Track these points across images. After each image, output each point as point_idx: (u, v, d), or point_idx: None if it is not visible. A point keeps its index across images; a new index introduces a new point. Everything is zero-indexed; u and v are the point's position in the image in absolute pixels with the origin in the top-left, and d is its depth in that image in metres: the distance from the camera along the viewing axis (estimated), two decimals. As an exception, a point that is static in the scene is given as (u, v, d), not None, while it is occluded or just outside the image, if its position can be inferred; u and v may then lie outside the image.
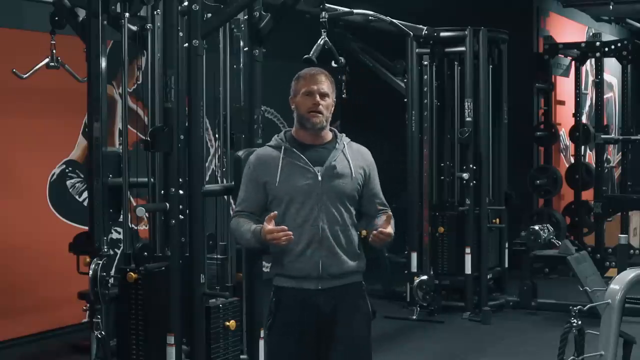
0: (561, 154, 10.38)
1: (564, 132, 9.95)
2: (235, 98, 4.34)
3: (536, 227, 7.22)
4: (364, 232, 3.41)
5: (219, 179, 4.42)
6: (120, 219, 4.22)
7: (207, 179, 4.38)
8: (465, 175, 7.09)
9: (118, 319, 4.02)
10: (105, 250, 4.08)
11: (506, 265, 7.48)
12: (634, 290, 3.08)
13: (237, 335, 4.14)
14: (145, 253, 3.98)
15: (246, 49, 4.30)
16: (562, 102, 10.09)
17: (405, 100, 7.11)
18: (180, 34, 3.93)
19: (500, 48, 7.46)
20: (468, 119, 7.12)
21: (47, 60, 4.97)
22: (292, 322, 3.24)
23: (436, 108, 7.38)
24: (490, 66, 7.34)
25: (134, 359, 3.95)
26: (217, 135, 4.38)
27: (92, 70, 4.16)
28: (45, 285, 6.17)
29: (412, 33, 6.98)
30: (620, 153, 10.18)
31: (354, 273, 3.29)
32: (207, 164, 4.95)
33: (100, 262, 3.90)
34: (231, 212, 4.27)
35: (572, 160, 9.70)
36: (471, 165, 7.11)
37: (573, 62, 9.69)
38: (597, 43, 9.20)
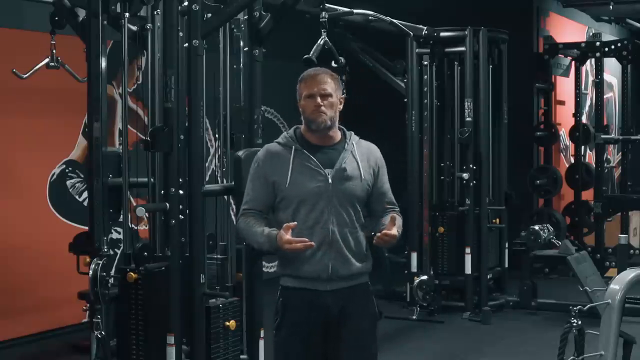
0: (561, 154, 10.38)
1: (564, 132, 9.95)
2: (235, 98, 4.34)
3: (536, 227, 7.22)
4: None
5: (219, 179, 4.42)
6: (120, 219, 4.21)
7: (207, 179, 4.38)
8: (465, 175, 7.09)
9: (118, 319, 4.02)
10: (105, 250, 4.08)
11: (506, 265, 7.48)
12: (634, 290, 3.08)
13: (237, 335, 4.14)
14: (145, 253, 3.98)
15: (246, 49, 4.30)
16: (562, 102, 10.09)
17: (405, 100, 7.11)
18: (180, 34, 3.93)
19: (500, 48, 7.46)
20: (468, 119, 7.12)
21: (47, 60, 4.97)
22: (299, 323, 3.25)
23: (436, 108, 7.38)
24: (490, 66, 7.34)
25: (134, 359, 3.94)
26: (217, 135, 4.38)
27: (92, 70, 4.16)
28: (45, 285, 6.17)
29: (412, 33, 6.98)
30: (620, 153, 10.18)
31: (361, 274, 3.30)
32: (207, 164, 4.95)
33: (100, 262, 3.90)
34: (231, 212, 4.29)
35: (572, 160, 9.70)
36: (471, 165, 7.11)
37: (573, 62, 9.69)
38: (597, 43, 9.20)
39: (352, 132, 3.38)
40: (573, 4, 10.38)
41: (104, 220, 4.14)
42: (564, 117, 9.93)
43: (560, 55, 9.71)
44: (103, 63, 4.19)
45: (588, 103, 10.83)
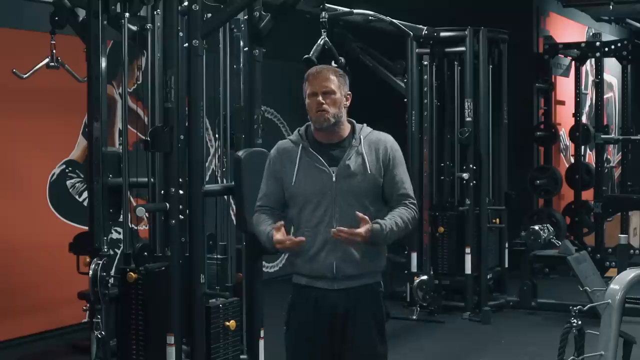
0: (561, 154, 10.38)
1: (564, 132, 9.95)
2: (235, 98, 4.34)
3: (536, 227, 7.22)
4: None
5: (219, 179, 4.42)
6: (120, 219, 4.21)
7: (207, 179, 4.38)
8: (465, 175, 7.09)
9: (118, 319, 4.02)
10: (105, 250, 4.08)
11: (506, 265, 7.47)
12: (634, 290, 3.08)
13: (237, 335, 4.14)
14: (145, 253, 3.99)
15: (246, 49, 4.30)
16: (562, 102, 10.09)
17: (405, 100, 7.11)
18: (180, 34, 3.93)
19: (500, 48, 7.45)
20: (468, 119, 7.12)
21: (47, 60, 4.97)
22: (307, 321, 3.25)
23: (436, 108, 7.38)
24: (490, 66, 7.34)
25: (133, 359, 3.94)
26: (217, 135, 4.38)
27: (92, 70, 4.16)
28: (45, 285, 6.17)
29: (412, 33, 6.98)
30: (620, 153, 10.18)
31: (370, 273, 3.27)
32: (207, 164, 4.95)
33: (100, 262, 3.90)
34: (231, 212, 4.29)
35: (572, 160, 9.70)
36: (471, 165, 7.11)
37: (573, 62, 9.69)
38: (597, 43, 9.20)
39: (364, 125, 3.33)
40: (573, 4, 10.38)
41: (104, 220, 4.13)
42: (564, 117, 9.93)
43: (560, 55, 9.71)
44: (103, 63, 4.19)
45: (588, 103, 10.83)
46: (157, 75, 4.02)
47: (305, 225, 3.19)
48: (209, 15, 4.08)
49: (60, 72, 5.10)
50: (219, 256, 4.27)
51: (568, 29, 10.63)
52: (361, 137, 3.28)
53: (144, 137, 3.99)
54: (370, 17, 6.37)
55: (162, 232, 4.01)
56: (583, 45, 9.38)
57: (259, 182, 3.99)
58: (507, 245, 7.46)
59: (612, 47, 9.16)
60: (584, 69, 9.71)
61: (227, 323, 4.03)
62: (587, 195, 9.38)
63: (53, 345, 6.16)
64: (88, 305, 4.09)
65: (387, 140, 3.32)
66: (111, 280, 3.92)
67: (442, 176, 7.46)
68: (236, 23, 4.30)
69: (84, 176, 6.37)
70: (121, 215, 4.20)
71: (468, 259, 7.04)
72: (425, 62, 7.24)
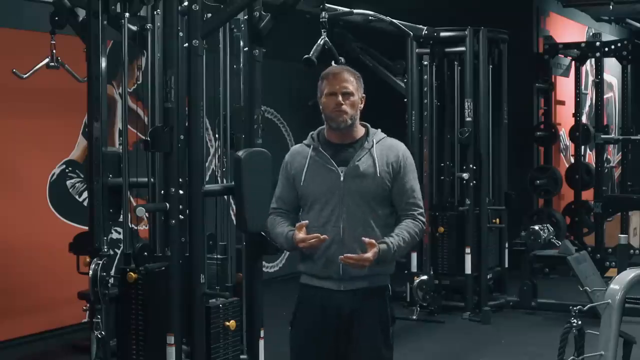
0: (561, 154, 10.38)
1: (564, 132, 9.95)
2: (235, 98, 4.34)
3: (536, 227, 7.22)
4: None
5: (219, 179, 4.42)
6: (120, 219, 4.21)
7: (207, 179, 4.38)
8: (465, 175, 7.09)
9: (118, 319, 4.02)
10: (105, 250, 4.08)
11: (506, 265, 7.47)
12: (634, 290, 3.08)
13: (237, 335, 4.14)
14: (145, 253, 3.98)
15: (246, 49, 4.30)
16: (562, 102, 10.09)
17: (405, 100, 7.11)
18: (180, 34, 3.93)
19: (500, 48, 7.46)
20: (468, 119, 7.12)
21: (47, 60, 4.97)
22: (313, 321, 3.26)
23: (436, 108, 7.38)
24: (490, 66, 7.34)
25: (133, 359, 3.94)
26: (217, 135, 4.38)
27: (92, 70, 4.16)
28: (45, 285, 6.17)
29: (412, 33, 6.98)
30: (620, 153, 10.18)
31: (378, 275, 3.26)
32: (207, 164, 4.95)
33: (100, 262, 3.89)
34: (231, 212, 4.29)
35: (572, 160, 9.70)
36: (471, 165, 7.11)
37: (573, 62, 9.69)
38: (597, 43, 9.21)
39: (378, 130, 3.35)
40: (573, 4, 10.38)
41: (104, 220, 4.13)
42: (564, 117, 9.93)
43: (560, 55, 9.71)
44: (103, 63, 4.18)
45: (588, 103, 10.83)
46: (157, 75, 4.01)
47: (312, 224, 3.20)
48: (209, 15, 4.08)
49: (60, 72, 5.10)
50: (219, 256, 4.26)
51: (568, 29, 10.63)
52: (374, 140, 3.29)
53: (144, 137, 3.99)
54: (370, 17, 6.36)
55: (162, 232, 4.00)
56: (583, 45, 9.39)
57: (259, 182, 4.01)
58: (507, 245, 7.46)
59: (612, 47, 9.17)
60: (584, 69, 9.72)
61: (227, 323, 4.02)
62: (587, 195, 9.38)
63: (53, 345, 6.16)
64: (88, 305, 4.09)
65: (400, 147, 3.33)
66: (111, 280, 3.92)
67: (442, 176, 7.46)
68: (236, 23, 4.30)
69: (84, 176, 6.37)
70: (121, 215, 4.19)
71: (468, 259, 7.04)
72: (425, 62, 7.24)
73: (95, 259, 3.93)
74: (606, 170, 9.95)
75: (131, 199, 4.35)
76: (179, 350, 3.86)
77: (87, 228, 4.22)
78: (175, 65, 3.89)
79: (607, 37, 10.70)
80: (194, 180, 3.94)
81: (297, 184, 3.28)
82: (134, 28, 4.21)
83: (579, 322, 3.14)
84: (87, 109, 4.20)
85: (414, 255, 7.03)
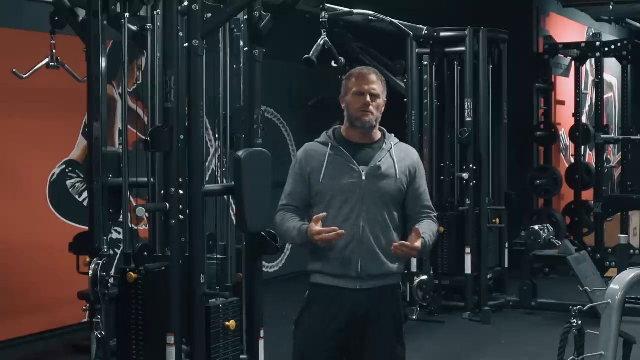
0: (561, 154, 10.38)
1: (564, 132, 9.95)
2: (235, 98, 4.34)
3: (536, 227, 7.23)
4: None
5: (219, 179, 4.42)
6: (120, 219, 4.21)
7: (207, 179, 4.37)
8: (465, 175, 7.09)
9: (118, 319, 4.02)
10: (105, 250, 4.07)
11: (506, 265, 7.47)
12: (634, 290, 3.08)
13: (237, 335, 4.14)
14: (145, 253, 3.98)
15: (246, 49, 4.29)
16: (562, 102, 10.09)
17: (405, 100, 7.11)
18: (180, 34, 3.92)
19: (500, 48, 7.46)
20: (468, 119, 7.12)
21: (47, 60, 4.96)
22: (324, 320, 3.25)
23: (436, 108, 7.39)
24: (490, 66, 7.34)
25: (133, 359, 3.94)
26: (217, 135, 4.38)
27: (92, 70, 4.16)
28: (45, 285, 6.17)
29: (412, 33, 6.98)
30: (620, 153, 10.18)
31: (392, 275, 3.29)
32: (207, 164, 4.95)
33: (100, 262, 3.89)
34: (231, 212, 4.29)
35: (572, 160, 9.70)
36: (471, 165, 7.11)
37: (573, 62, 9.70)
38: (597, 43, 9.21)
39: (392, 135, 3.39)
40: (573, 4, 10.39)
41: (104, 220, 4.13)
42: (564, 117, 9.93)
43: (560, 55, 9.72)
44: (103, 63, 4.18)
45: (588, 103, 10.83)
46: (157, 75, 4.01)
47: (331, 222, 3.20)
48: (209, 15, 4.07)
49: (60, 72, 5.10)
50: (219, 256, 4.26)
51: (568, 29, 10.63)
52: (392, 143, 3.34)
53: (144, 137, 3.99)
54: (370, 17, 6.36)
55: (162, 232, 4.00)
56: (583, 45, 9.39)
57: (259, 182, 4.01)
58: (507, 245, 7.46)
59: (612, 47, 9.17)
60: (584, 69, 9.72)
61: (227, 323, 4.02)
62: (587, 195, 9.38)
63: (53, 345, 6.16)
64: (88, 305, 4.08)
65: (414, 153, 3.42)
66: (111, 280, 3.92)
67: (442, 176, 7.46)
68: (236, 23, 4.30)
69: (84, 176, 6.37)
70: (121, 215, 4.19)
71: (468, 259, 7.04)
72: (425, 62, 7.24)
73: (95, 259, 3.93)
74: (606, 170, 9.95)
75: (131, 199, 4.35)
76: (179, 350, 3.86)
77: (87, 228, 4.22)
78: (175, 65, 3.89)
79: (607, 37, 10.70)
80: (194, 180, 3.94)
81: (313, 181, 3.28)
82: (134, 28, 4.21)
83: (579, 322, 3.14)
84: (87, 109, 4.20)
85: (414, 255, 7.02)
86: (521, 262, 7.32)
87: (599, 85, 9.22)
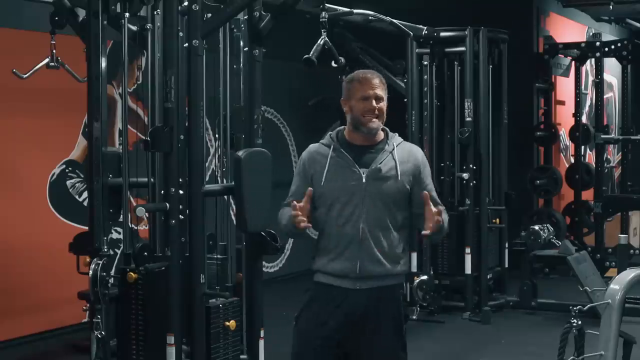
0: (561, 154, 10.38)
1: (564, 132, 9.95)
2: (235, 98, 4.34)
3: (536, 227, 7.23)
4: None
5: (219, 179, 4.42)
6: (120, 219, 4.21)
7: (207, 179, 4.38)
8: (465, 175, 7.09)
9: (118, 319, 4.02)
10: (105, 250, 4.08)
11: (506, 265, 7.47)
12: (634, 290, 3.08)
13: (237, 335, 4.14)
14: (145, 253, 3.98)
15: (246, 49, 4.30)
16: (562, 102, 10.09)
17: (405, 100, 7.11)
18: (180, 34, 3.93)
19: (500, 48, 7.45)
20: (468, 119, 7.12)
21: (47, 60, 4.96)
22: (322, 318, 3.27)
23: (436, 108, 7.39)
24: (490, 66, 7.34)
25: (133, 359, 3.94)
26: (217, 135, 4.38)
27: (92, 70, 4.16)
28: (45, 285, 6.17)
29: (412, 33, 6.98)
30: (620, 153, 10.18)
31: (393, 276, 3.29)
32: (207, 164, 4.95)
33: (100, 262, 3.89)
34: (231, 212, 4.29)
35: (572, 160, 9.70)
36: (471, 165, 7.11)
37: (573, 62, 9.69)
38: (597, 43, 9.21)
39: (396, 134, 3.39)
40: (573, 4, 10.39)
41: (104, 220, 4.13)
42: (564, 117, 9.93)
43: (560, 55, 9.71)
44: (103, 63, 4.18)
45: (588, 103, 10.83)
46: (157, 75, 4.01)
47: (332, 224, 3.24)
48: (209, 15, 4.08)
49: (60, 72, 5.10)
50: (219, 256, 4.26)
51: (568, 29, 10.63)
52: (394, 143, 3.34)
53: (144, 137, 3.99)
54: (370, 17, 6.36)
55: (162, 232, 4.00)
56: (583, 45, 9.39)
57: (259, 182, 4.01)
58: (507, 245, 7.46)
59: (612, 47, 9.17)
60: (584, 69, 9.72)
61: (227, 323, 4.02)
62: (587, 195, 9.38)
63: (53, 345, 6.16)
64: (88, 305, 4.09)
65: (418, 152, 3.41)
66: (111, 280, 3.92)
67: (442, 176, 7.46)
68: (236, 23, 4.30)
69: (84, 176, 6.37)
70: (121, 215, 4.19)
71: (468, 259, 7.04)
72: (425, 62, 7.24)
73: (95, 259, 3.93)
74: (606, 170, 9.95)
75: (131, 199, 4.35)
76: (179, 350, 3.86)
77: (87, 228, 4.22)
78: (175, 65, 3.89)
79: (607, 37, 10.70)
80: (194, 180, 3.94)
81: (315, 183, 3.29)
82: (134, 28, 4.21)
83: (579, 322, 3.14)
84: (87, 109, 4.20)
85: (414, 255, 7.02)
86: (521, 262, 7.31)
87: (599, 85, 9.22)
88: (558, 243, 7.01)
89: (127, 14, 4.04)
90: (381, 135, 3.36)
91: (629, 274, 3.07)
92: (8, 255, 5.98)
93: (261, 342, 4.30)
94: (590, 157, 10.65)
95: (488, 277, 7.21)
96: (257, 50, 4.29)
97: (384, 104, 3.30)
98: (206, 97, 4.06)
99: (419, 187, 3.31)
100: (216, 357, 3.99)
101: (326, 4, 4.69)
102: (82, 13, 4.36)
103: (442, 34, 7.25)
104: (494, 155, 7.46)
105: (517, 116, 8.16)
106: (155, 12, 4.02)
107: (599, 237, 8.95)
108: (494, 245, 7.40)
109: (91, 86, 4.16)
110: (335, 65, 4.68)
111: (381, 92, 3.29)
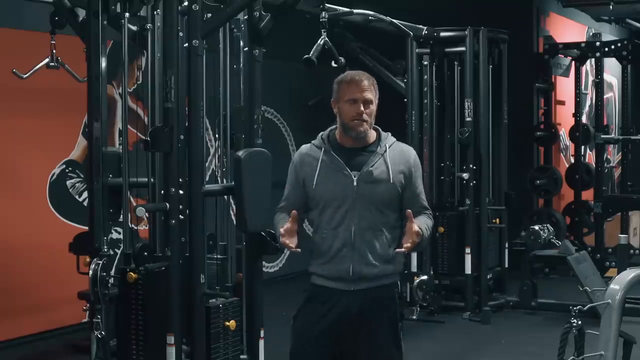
0: (561, 154, 10.38)
1: (564, 132, 9.95)
2: (235, 98, 4.34)
3: (536, 227, 7.22)
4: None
5: (219, 179, 4.42)
6: (120, 219, 4.21)
7: (207, 179, 4.38)
8: (465, 175, 7.09)
9: (118, 319, 4.02)
10: (105, 250, 4.08)
11: (506, 265, 7.47)
12: (634, 290, 3.08)
13: (237, 335, 4.14)
14: (145, 253, 3.98)
15: (246, 49, 4.30)
16: (562, 102, 10.09)
17: (405, 100, 7.11)
18: (180, 34, 3.93)
19: (500, 48, 7.46)
20: (468, 119, 7.12)
21: (47, 60, 4.97)
22: (318, 319, 3.27)
23: (436, 108, 7.39)
24: (490, 66, 7.34)
25: (133, 359, 3.94)
26: (217, 135, 4.38)
27: (92, 70, 4.16)
28: (45, 285, 6.17)
29: (412, 33, 6.98)
30: (620, 153, 10.18)
31: (386, 276, 3.30)
32: (207, 164, 4.95)
33: (100, 262, 3.89)
34: (231, 212, 4.29)
35: (572, 160, 9.70)
36: (471, 165, 7.11)
37: (573, 62, 9.69)
38: (597, 43, 9.21)
39: (389, 134, 3.37)
40: (573, 4, 10.39)
41: (104, 220, 4.13)
42: (564, 117, 9.93)
43: (560, 55, 9.71)
44: (103, 63, 4.18)
45: (588, 103, 10.83)
46: (157, 75, 4.01)
47: (325, 227, 3.25)
48: (209, 15, 4.08)
49: (60, 72, 5.10)
50: (219, 256, 4.26)
51: (568, 29, 10.63)
52: (386, 145, 3.31)
53: (144, 137, 3.99)
54: (370, 17, 6.36)
55: (162, 232, 4.00)
56: (583, 45, 9.39)
57: (259, 182, 4.01)
58: (507, 245, 7.46)
59: (612, 47, 9.17)
60: (584, 69, 9.72)
61: (227, 323, 4.02)
62: (587, 195, 9.38)
63: (53, 345, 6.16)
64: (88, 305, 4.09)
65: (411, 153, 3.38)
66: (111, 280, 3.92)
67: (442, 176, 7.46)
68: (236, 23, 4.30)
69: (84, 176, 6.37)
70: (121, 215, 4.19)
71: (468, 259, 7.04)
72: (425, 62, 7.24)
73: (95, 259, 3.93)
74: (606, 170, 9.95)
75: (131, 199, 4.35)
76: (179, 350, 3.86)
77: (87, 228, 4.22)
78: (175, 65, 3.89)
79: (607, 37, 10.70)
80: (194, 180, 3.94)
81: (307, 186, 3.30)
82: (134, 28, 4.21)
83: (579, 322, 3.14)
84: (87, 109, 4.20)
85: (414, 255, 7.03)
86: (521, 262, 7.31)
87: (599, 85, 9.22)
88: (558, 243, 7.01)
89: (127, 14, 4.04)
90: (373, 136, 3.33)
91: (629, 274, 3.07)
92: (8, 255, 5.98)
93: (261, 342, 4.30)
94: (590, 157, 10.65)
95: (488, 277, 7.21)
96: (257, 50, 4.29)
97: (373, 107, 3.27)
98: (206, 97, 4.06)
99: (410, 190, 3.31)
100: (216, 357, 3.99)
101: (326, 4, 4.68)
102: (82, 13, 4.36)
103: (442, 34, 7.25)
104: (494, 155, 7.46)
105: (517, 116, 8.16)
106: (155, 12, 4.02)
107: (599, 237, 8.95)
108: (494, 245, 7.40)
109: (91, 86, 4.16)
110: (335, 65, 4.67)
111: (370, 94, 3.25)
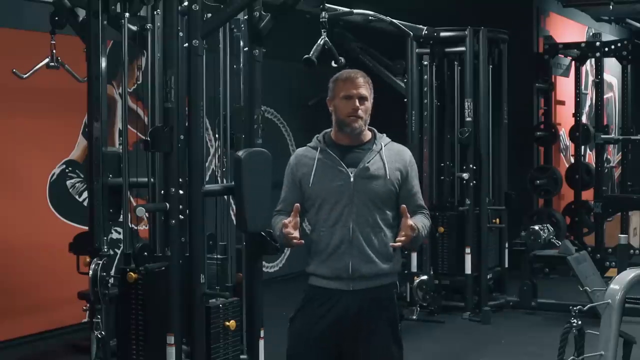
0: (561, 154, 10.38)
1: (564, 132, 9.95)
2: (235, 98, 4.34)
3: (536, 227, 7.23)
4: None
5: (219, 179, 4.42)
6: (120, 219, 4.21)
7: (207, 179, 4.38)
8: (465, 175, 7.09)
9: (118, 319, 4.02)
10: (105, 250, 4.08)
11: (506, 265, 7.47)
12: (634, 290, 3.08)
13: (237, 335, 4.14)
14: (145, 253, 3.98)
15: (246, 49, 4.30)
16: (562, 102, 10.09)
17: (405, 100, 7.11)
18: (180, 34, 3.93)
19: (500, 48, 7.46)
20: (468, 119, 7.12)
21: (47, 60, 4.97)
22: (317, 320, 3.26)
23: (436, 108, 7.39)
24: (490, 66, 7.34)
25: (133, 359, 3.94)
26: (217, 135, 4.38)
27: (92, 70, 4.16)
28: (45, 285, 6.17)
29: (412, 33, 6.98)
30: (620, 153, 10.18)
31: (386, 275, 3.29)
32: (207, 164, 4.95)
33: (100, 262, 3.89)
34: (231, 212, 4.29)
35: (572, 160, 9.70)
36: (471, 165, 7.11)
37: (573, 62, 9.69)
38: (597, 43, 9.21)
39: (384, 135, 3.39)
40: (573, 4, 10.39)
41: (104, 220, 4.13)
42: (564, 117, 9.93)
43: (560, 55, 9.71)
44: (103, 63, 4.18)
45: (588, 103, 10.83)
46: (157, 75, 4.01)
47: (322, 225, 3.24)
48: (209, 15, 4.08)
49: (60, 72, 5.10)
50: (219, 256, 4.26)
51: (568, 29, 10.63)
52: (382, 143, 3.33)
53: (144, 137, 3.99)
54: (370, 17, 6.36)
55: (162, 232, 4.00)
56: (583, 45, 9.39)
57: (259, 182, 4.02)
58: (507, 245, 7.46)
59: (612, 47, 9.17)
60: (584, 69, 9.72)
61: (227, 323, 4.02)
62: (587, 195, 9.38)
63: (53, 345, 6.16)
64: (88, 305, 4.09)
65: (407, 153, 3.40)
66: (111, 280, 3.92)
67: (442, 176, 7.46)
68: (236, 23, 4.30)
69: (84, 176, 6.37)
70: (121, 215, 4.19)
71: (468, 259, 7.04)
72: (425, 62, 7.25)
73: (95, 259, 3.93)
74: (606, 170, 9.95)
75: (131, 199, 4.35)
76: (179, 350, 3.86)
77: (87, 228, 4.22)
78: (175, 65, 3.89)
79: (607, 37, 10.70)
80: (194, 180, 3.94)
81: (304, 185, 3.30)
82: (134, 28, 4.21)
83: (579, 322, 3.14)
84: (87, 109, 4.20)
85: (414, 255, 7.03)
86: (521, 262, 7.31)
87: (599, 85, 9.22)
88: (558, 243, 7.01)
89: (127, 14, 4.04)
90: (368, 135, 3.35)
91: (629, 274, 3.07)
92: (8, 255, 5.98)
93: (261, 342, 4.30)
94: (590, 157, 10.65)
95: (488, 277, 7.21)
96: (257, 50, 4.29)
97: (368, 104, 3.28)
98: (206, 97, 4.06)
99: (406, 189, 3.31)
100: (216, 357, 4.00)
101: (326, 4, 4.68)
102: (82, 13, 4.36)
103: (442, 34, 7.25)
104: (494, 155, 7.46)
105: (517, 116, 8.16)
106: (155, 12, 4.02)
107: (599, 237, 8.95)
108: (494, 245, 7.40)
109: (91, 86, 4.16)
110: (335, 65, 4.67)
111: (365, 91, 3.27)
